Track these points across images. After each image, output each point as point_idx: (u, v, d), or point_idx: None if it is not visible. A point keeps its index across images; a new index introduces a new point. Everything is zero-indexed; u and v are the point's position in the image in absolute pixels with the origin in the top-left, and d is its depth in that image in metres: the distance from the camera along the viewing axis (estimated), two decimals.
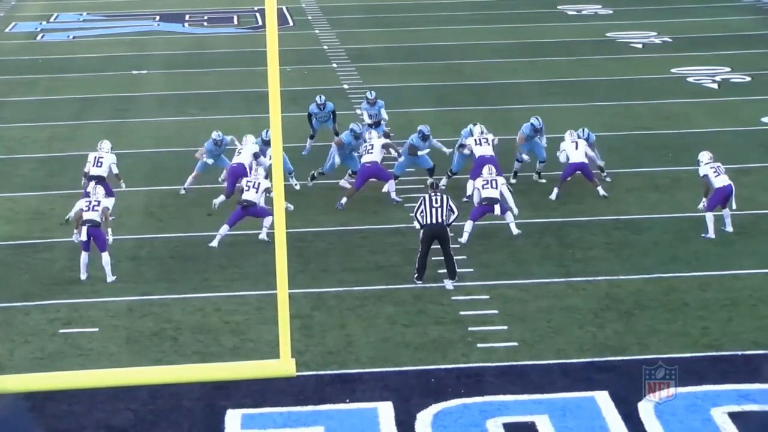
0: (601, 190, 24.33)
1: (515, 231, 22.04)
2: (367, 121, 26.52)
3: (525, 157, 25.32)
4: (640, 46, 41.33)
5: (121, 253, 21.45)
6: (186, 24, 48.65)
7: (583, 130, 25.11)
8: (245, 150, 24.41)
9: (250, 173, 23.45)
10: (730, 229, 22.26)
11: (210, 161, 24.88)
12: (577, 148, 24.33)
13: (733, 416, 15.47)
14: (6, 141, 30.23)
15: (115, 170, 23.90)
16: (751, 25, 44.87)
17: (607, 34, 43.43)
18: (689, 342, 17.75)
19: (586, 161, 24.36)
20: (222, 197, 24.04)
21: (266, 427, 15.51)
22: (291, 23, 47.20)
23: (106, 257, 20.50)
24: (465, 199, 23.71)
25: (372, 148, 24.55)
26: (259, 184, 22.24)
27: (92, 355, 17.69)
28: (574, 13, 48.63)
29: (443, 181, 24.83)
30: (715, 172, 22.27)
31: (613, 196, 24.50)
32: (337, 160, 25.11)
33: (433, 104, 32.60)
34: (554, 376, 16.70)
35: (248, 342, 18.02)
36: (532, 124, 25.35)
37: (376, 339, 18.06)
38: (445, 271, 20.18)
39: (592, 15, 48.15)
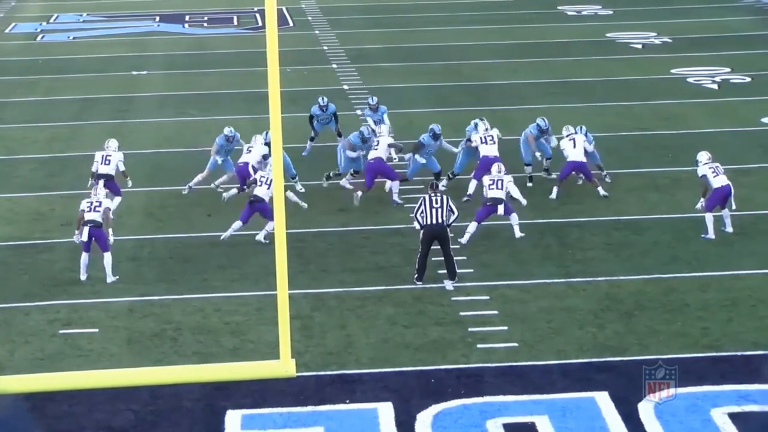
0: (601, 190, 24.34)
1: (518, 234, 22.05)
2: (373, 126, 26.50)
3: (538, 154, 25.18)
4: (639, 46, 41.34)
5: (122, 254, 21.44)
6: (186, 24, 48.66)
7: (581, 128, 25.12)
8: (254, 150, 24.41)
9: (255, 173, 23.58)
10: (729, 229, 22.27)
11: (220, 159, 24.88)
12: (575, 146, 24.32)
13: (733, 417, 15.47)
14: (6, 141, 30.24)
15: (122, 168, 23.95)
16: (751, 26, 44.87)
17: (607, 35, 43.44)
18: (689, 342, 17.76)
19: (585, 160, 24.35)
20: (233, 191, 24.12)
21: (266, 427, 15.51)
22: (291, 24, 47.21)
23: (108, 257, 20.51)
24: (465, 199, 23.73)
25: (377, 145, 24.61)
26: (271, 180, 22.38)
27: (92, 356, 17.69)
28: (574, 13, 48.64)
29: (443, 182, 24.85)
30: (713, 172, 22.27)
31: (613, 197, 24.51)
32: (349, 155, 25.05)
33: (433, 105, 32.60)
34: (554, 377, 16.71)
35: (248, 343, 18.03)
36: (537, 125, 25.38)
37: (376, 340, 18.07)
38: (445, 271, 20.18)
39: (591, 15, 48.16)
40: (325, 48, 41.67)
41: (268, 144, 24.56)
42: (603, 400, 15.97)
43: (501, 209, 21.93)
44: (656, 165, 26.82)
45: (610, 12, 48.62)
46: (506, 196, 22.02)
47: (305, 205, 23.35)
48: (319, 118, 27.55)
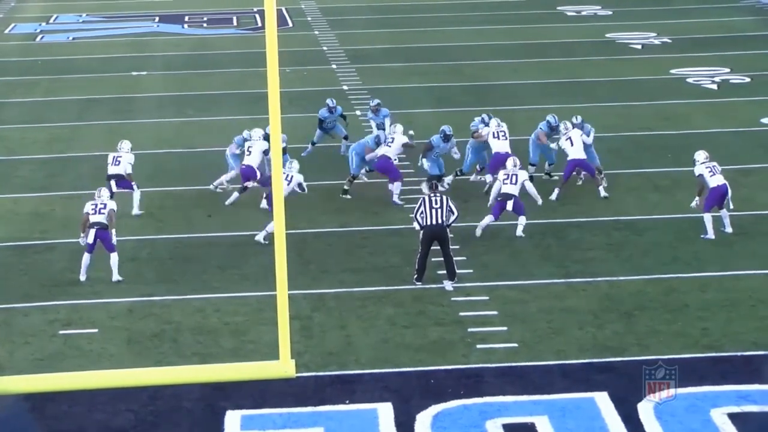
0: (602, 191, 24.31)
1: (519, 233, 22.08)
2: (375, 132, 26.51)
3: (553, 145, 25.14)
4: (639, 46, 41.34)
5: (122, 254, 21.41)
6: (185, 25, 48.65)
7: (576, 117, 25.20)
8: (254, 149, 24.40)
9: (258, 174, 23.63)
10: (729, 229, 22.27)
11: (238, 151, 24.93)
12: (572, 144, 24.32)
13: (732, 417, 15.46)
14: (6, 142, 30.24)
15: (129, 170, 23.99)
16: (751, 26, 44.87)
17: (607, 35, 43.43)
18: (689, 343, 17.75)
19: (585, 156, 24.35)
20: (235, 194, 24.26)
21: (266, 428, 15.51)
22: (290, 24, 47.20)
23: (114, 257, 20.54)
24: (486, 189, 23.72)
25: (392, 142, 24.65)
26: (292, 177, 22.53)
27: (92, 356, 17.69)
28: (574, 14, 48.63)
29: (449, 179, 24.88)
30: (710, 171, 22.29)
31: (613, 197, 24.51)
32: (368, 158, 25.04)
33: (433, 105, 32.59)
34: (554, 377, 16.70)
35: (248, 343, 18.02)
36: (548, 122, 25.40)
37: (375, 340, 18.06)
38: (445, 272, 20.18)
39: (591, 16, 48.15)
40: (325, 48, 41.67)
41: (267, 138, 24.54)
42: (603, 400, 15.97)
43: (510, 205, 22.03)
44: (656, 165, 26.82)
45: (610, 12, 48.61)
46: (519, 192, 22.20)
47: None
48: (328, 121, 27.41)
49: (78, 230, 21.07)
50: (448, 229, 20.12)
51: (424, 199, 20.18)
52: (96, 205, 20.70)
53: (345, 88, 34.96)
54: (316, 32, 45.05)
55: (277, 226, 11.20)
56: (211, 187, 25.09)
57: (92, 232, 20.46)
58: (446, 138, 24.79)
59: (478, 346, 17.78)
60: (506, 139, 24.72)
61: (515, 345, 17.78)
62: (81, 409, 15.89)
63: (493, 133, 24.80)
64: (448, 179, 24.92)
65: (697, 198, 22.46)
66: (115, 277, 20.47)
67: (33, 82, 37.40)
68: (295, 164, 23.18)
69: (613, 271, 20.68)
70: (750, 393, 16.11)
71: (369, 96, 31.29)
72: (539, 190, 23.28)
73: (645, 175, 26.15)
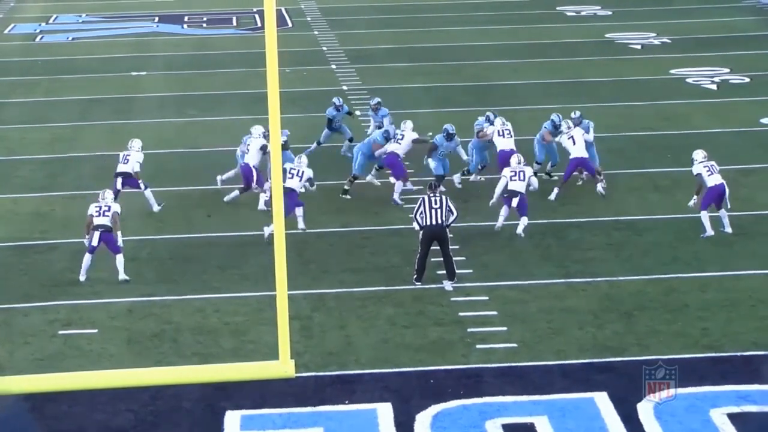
0: (600, 188, 24.24)
1: (520, 231, 22.16)
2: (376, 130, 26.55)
3: (557, 139, 25.22)
4: (639, 47, 41.34)
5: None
6: (185, 25, 48.65)
7: (574, 112, 25.24)
8: (252, 147, 24.39)
9: (255, 174, 23.63)
10: (729, 230, 22.27)
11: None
12: (574, 143, 24.32)
13: (732, 417, 15.47)
14: (6, 142, 30.25)
15: (137, 168, 24.03)
16: (750, 26, 44.87)
17: (606, 35, 43.43)
18: (689, 343, 17.76)
19: (586, 155, 24.35)
20: (236, 192, 24.28)
21: (266, 428, 15.52)
22: (290, 24, 47.19)
23: (120, 258, 20.55)
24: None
25: (402, 139, 24.67)
26: (303, 172, 22.64)
27: (92, 357, 17.69)
28: (573, 14, 48.63)
29: (458, 177, 24.86)
30: (708, 171, 22.32)
31: (613, 197, 24.51)
32: (377, 154, 25.13)
33: (433, 105, 32.60)
34: (554, 377, 16.71)
35: (248, 343, 18.03)
36: (552, 120, 25.41)
37: (375, 340, 18.07)
38: (445, 272, 20.18)
39: (591, 16, 48.15)
40: (325, 48, 41.67)
41: (266, 136, 24.57)
42: (602, 400, 15.97)
43: (515, 202, 22.10)
44: (656, 165, 26.82)
45: (610, 12, 48.60)
46: (526, 188, 22.39)
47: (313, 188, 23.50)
48: (336, 119, 27.39)
49: (82, 232, 21.04)
50: (447, 229, 20.12)
51: (423, 199, 20.18)
52: (100, 207, 20.71)
53: (345, 88, 34.96)
54: (316, 32, 45.05)
55: (277, 227, 11.20)
56: (218, 179, 25.07)
57: (96, 234, 20.48)
58: (449, 137, 24.79)
59: (478, 346, 17.78)
60: (511, 137, 24.81)
61: (515, 345, 17.78)
62: (81, 409, 15.89)
63: (498, 131, 24.90)
64: (456, 178, 24.95)
65: (695, 197, 22.48)
66: (122, 276, 20.47)
67: (33, 82, 37.40)
68: (304, 159, 23.27)
69: (613, 271, 20.68)
70: (750, 393, 16.11)
71: (369, 96, 31.29)
72: (539, 190, 23.32)
73: (645, 175, 26.15)
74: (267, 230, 21.99)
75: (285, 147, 24.49)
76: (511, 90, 34.77)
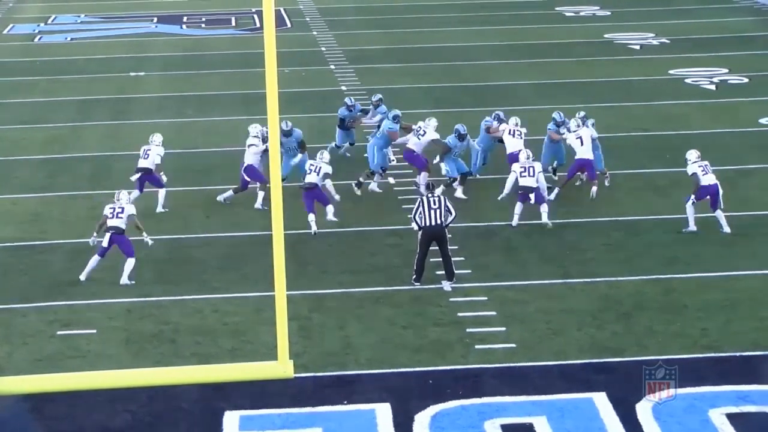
0: (593, 192, 24.15)
1: (545, 220, 22.46)
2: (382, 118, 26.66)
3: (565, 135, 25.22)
4: (637, 47, 41.36)
5: (120, 255, 21.42)
6: (184, 26, 48.65)
7: (579, 112, 25.23)
8: (249, 149, 24.38)
9: (256, 171, 23.66)
10: (727, 229, 22.28)
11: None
12: (582, 143, 24.28)
13: (731, 417, 15.47)
14: (5, 142, 30.24)
15: (158, 161, 24.09)
16: (749, 27, 44.89)
17: (605, 36, 43.45)
18: (688, 343, 17.76)
19: (592, 157, 24.31)
20: (230, 192, 24.38)
21: (264, 428, 15.51)
22: (289, 25, 47.21)
23: (131, 262, 20.39)
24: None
25: (423, 135, 24.73)
26: (320, 168, 22.77)
27: (90, 357, 17.69)
28: (572, 14, 48.65)
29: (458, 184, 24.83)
30: (703, 170, 22.39)
31: (611, 198, 24.51)
32: (401, 141, 25.29)
33: (431, 105, 32.57)
34: (552, 378, 16.70)
35: (247, 344, 18.02)
36: (553, 118, 25.41)
37: (374, 340, 18.06)
38: (443, 272, 20.18)
39: (590, 16, 48.17)
40: (323, 49, 41.68)
41: (288, 132, 24.62)
42: (601, 400, 15.97)
43: (533, 197, 22.34)
44: (655, 166, 26.83)
45: (608, 13, 48.63)
46: (537, 182, 22.59)
47: (338, 197, 23.67)
48: (348, 119, 27.33)
49: (92, 230, 21.02)
50: (446, 230, 20.12)
51: (422, 199, 20.17)
52: (114, 209, 20.61)
53: (343, 88, 34.97)
54: (315, 33, 45.06)
55: (276, 227, 11.19)
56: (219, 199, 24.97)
57: (107, 236, 20.40)
58: (461, 137, 24.70)
59: (477, 346, 17.78)
60: (521, 138, 24.80)
61: (514, 345, 17.78)
62: (80, 409, 15.88)
63: (510, 130, 24.93)
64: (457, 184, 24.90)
65: (692, 197, 22.48)
66: (124, 280, 20.37)
67: (31, 82, 37.40)
68: (326, 155, 23.36)
69: (612, 271, 20.68)
70: (749, 393, 16.11)
71: (367, 96, 31.29)
72: None
73: (644, 176, 26.16)
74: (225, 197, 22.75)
75: (302, 148, 24.61)
76: (509, 90, 34.77)
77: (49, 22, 49.80)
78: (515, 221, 22.68)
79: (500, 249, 21.88)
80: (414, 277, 20.14)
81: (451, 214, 20.13)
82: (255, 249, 21.78)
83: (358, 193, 24.69)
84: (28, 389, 13.21)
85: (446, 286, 20.04)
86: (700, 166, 22.45)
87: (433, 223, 19.90)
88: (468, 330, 18.34)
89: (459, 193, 24.30)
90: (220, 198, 24.44)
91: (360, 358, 17.46)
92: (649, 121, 30.97)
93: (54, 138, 30.48)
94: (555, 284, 20.17)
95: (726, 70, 36.88)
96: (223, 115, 32.13)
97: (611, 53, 40.30)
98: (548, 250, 21.81)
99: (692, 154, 22.78)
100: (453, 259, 20.30)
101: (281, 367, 11.51)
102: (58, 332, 18.58)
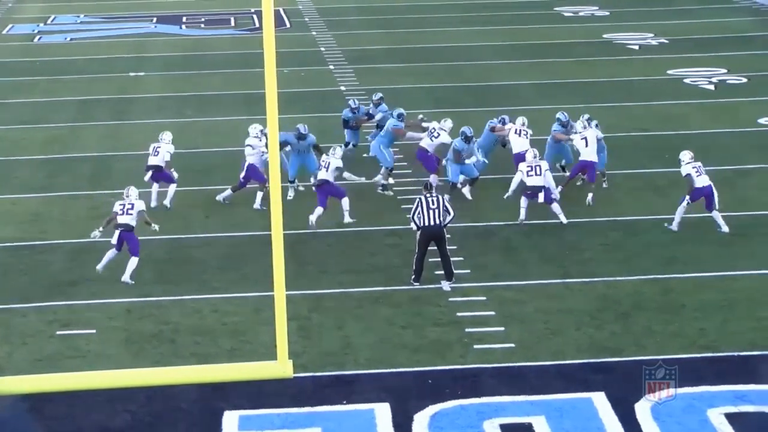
0: (589, 198, 24.07)
1: (564, 220, 22.57)
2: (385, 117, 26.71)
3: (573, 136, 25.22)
4: (636, 47, 41.38)
5: (119, 255, 21.44)
6: (183, 26, 48.67)
7: (584, 115, 25.23)
8: (249, 147, 24.44)
9: (257, 171, 23.74)
10: (725, 228, 22.30)
11: (287, 158, 25.12)
12: (587, 144, 24.26)
13: (729, 417, 15.50)
14: (4, 143, 30.26)
15: (168, 158, 24.21)
16: (747, 27, 44.91)
17: (604, 36, 43.47)
18: (686, 343, 17.78)
19: (596, 159, 24.29)
20: (228, 191, 24.44)
21: (264, 428, 15.54)
22: (288, 25, 47.23)
23: (135, 261, 20.45)
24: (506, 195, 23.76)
25: (437, 137, 24.88)
26: (329, 163, 23.01)
27: (90, 357, 17.71)
28: (571, 14, 48.67)
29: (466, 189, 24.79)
30: (696, 171, 22.43)
31: (610, 198, 24.54)
32: (413, 137, 25.53)
33: (431, 105, 32.57)
34: (551, 378, 16.73)
35: (246, 343, 18.05)
36: (558, 119, 25.42)
37: (373, 340, 18.09)
38: (442, 272, 20.21)
39: (588, 17, 48.19)
40: (323, 49, 41.69)
41: (303, 136, 24.74)
42: (600, 400, 16.00)
43: (542, 197, 22.42)
44: (653, 166, 26.84)
45: (607, 13, 48.65)
46: (545, 181, 22.69)
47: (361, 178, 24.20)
48: (351, 120, 27.31)
49: (100, 223, 21.13)
50: (445, 230, 20.14)
51: (420, 199, 20.18)
52: (124, 206, 20.67)
53: (342, 88, 34.99)
54: (314, 33, 45.08)
55: (275, 227, 11.21)
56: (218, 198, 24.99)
57: (117, 233, 20.48)
58: (467, 140, 24.64)
59: (476, 346, 17.81)
60: (527, 138, 24.84)
61: (512, 345, 17.80)
62: (79, 409, 15.90)
63: (516, 129, 24.97)
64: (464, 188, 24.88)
65: (687, 197, 22.50)
66: (125, 278, 20.39)
67: (31, 82, 37.42)
68: (339, 151, 23.54)
69: (610, 271, 20.71)
70: (747, 393, 16.14)
71: (366, 97, 31.32)
72: None
73: (642, 176, 26.19)
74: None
75: (318, 150, 24.68)
76: (508, 90, 34.78)
77: (49, 22, 49.81)
78: (522, 215, 22.73)
79: (499, 249, 21.90)
80: (413, 277, 20.16)
81: (449, 214, 20.15)
82: (254, 249, 21.80)
83: (390, 194, 24.72)
84: (27, 389, 13.24)
85: (445, 286, 20.06)
86: (693, 167, 22.48)
87: (432, 223, 19.92)
88: (467, 330, 18.36)
89: (466, 193, 24.32)
90: (219, 198, 24.49)
91: (359, 357, 17.48)
92: (648, 121, 30.99)
93: (54, 138, 30.50)
94: (554, 284, 20.20)
95: (725, 70, 36.91)
96: (223, 115, 32.14)
97: (610, 53, 40.32)
98: (547, 250, 21.84)
99: (686, 155, 22.81)
100: (452, 259, 20.33)
101: (280, 367, 11.53)
102: (58, 332, 18.61)
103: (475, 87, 35.23)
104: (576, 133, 24.84)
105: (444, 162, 24.84)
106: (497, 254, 21.64)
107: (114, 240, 20.50)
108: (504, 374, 16.88)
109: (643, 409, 15.70)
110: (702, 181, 22.32)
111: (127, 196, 20.82)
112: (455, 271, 20.24)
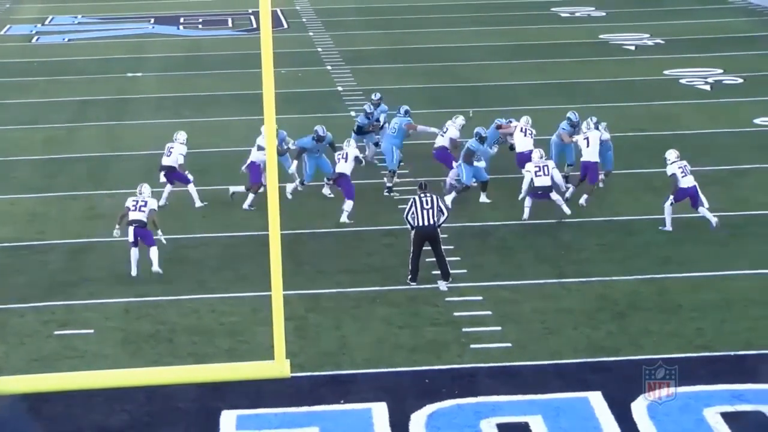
0: (582, 200, 24.04)
1: (567, 210, 22.89)
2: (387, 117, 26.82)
3: (575, 137, 25.16)
4: (633, 47, 41.44)
5: (118, 255, 21.49)
6: (181, 26, 48.71)
7: (592, 118, 25.15)
8: (255, 148, 24.51)
9: (261, 170, 23.73)
10: (714, 220, 22.28)
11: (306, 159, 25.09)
12: (588, 145, 24.23)
13: (725, 416, 15.53)
14: (3, 143, 30.28)
15: (181, 161, 24.24)
16: (743, 27, 44.97)
17: (600, 36, 43.54)
18: (682, 343, 17.82)
19: (597, 160, 24.25)
20: (241, 188, 24.49)
21: (261, 427, 15.56)
22: (285, 25, 47.27)
23: (154, 251, 20.67)
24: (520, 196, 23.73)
25: (446, 132, 25.23)
26: (347, 154, 23.38)
27: (88, 357, 17.73)
28: (568, 15, 48.72)
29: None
30: (682, 171, 22.48)
31: (606, 198, 24.58)
32: (426, 130, 25.95)
33: (428, 106, 32.61)
34: (548, 377, 16.76)
35: (243, 343, 18.07)
36: (568, 118, 25.42)
37: (370, 340, 18.12)
38: (439, 272, 20.23)
39: (585, 17, 48.25)
40: (320, 49, 41.74)
41: (320, 138, 24.79)
42: (596, 400, 16.03)
43: (554, 196, 22.76)
44: (650, 166, 26.85)
45: (604, 13, 48.71)
46: (552, 180, 22.89)
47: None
48: (365, 127, 27.09)
49: (114, 223, 21.28)
50: (439, 229, 20.15)
51: (414, 199, 20.19)
52: (137, 202, 20.80)
53: (340, 89, 35.03)
54: (311, 33, 45.12)
55: (272, 227, 11.25)
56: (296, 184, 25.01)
57: (131, 229, 20.64)
58: (482, 140, 24.61)
59: (473, 346, 17.84)
60: (532, 138, 24.90)
61: (509, 345, 17.84)
62: (76, 409, 15.92)
63: (521, 128, 25.02)
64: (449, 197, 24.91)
65: (671, 197, 22.53)
66: (155, 268, 20.60)
67: (29, 83, 37.45)
68: (352, 142, 24.12)
69: (606, 271, 20.74)
70: (743, 392, 16.17)
71: (364, 97, 31.35)
72: None
73: (638, 176, 26.22)
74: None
75: (333, 148, 24.77)
76: (505, 91, 34.82)
77: (47, 22, 49.85)
78: (526, 214, 22.89)
79: (495, 249, 21.94)
80: (409, 277, 20.19)
81: (443, 213, 20.17)
82: (252, 249, 21.84)
83: (396, 195, 24.78)
84: (25, 389, 13.28)
85: (442, 285, 20.10)
86: (679, 167, 22.51)
87: (426, 223, 19.94)
88: (464, 330, 18.39)
89: (483, 198, 24.33)
90: (245, 206, 24.13)
91: (356, 357, 17.52)
92: (643, 122, 31.03)
93: (52, 138, 30.53)
94: (550, 284, 20.23)
95: (721, 71, 36.97)
96: (220, 116, 32.17)
97: (606, 54, 40.39)
98: (543, 250, 21.87)
99: (671, 154, 22.84)
100: (448, 259, 20.35)
101: (278, 367, 11.58)
102: (56, 332, 18.62)
103: (472, 87, 35.26)
104: (581, 133, 24.88)
105: (455, 164, 24.95)
106: (494, 254, 21.68)
107: (130, 237, 20.65)
108: (501, 374, 16.91)
109: (639, 408, 15.73)
110: (687, 181, 22.36)
111: (141, 193, 20.98)
112: (452, 271, 20.27)
